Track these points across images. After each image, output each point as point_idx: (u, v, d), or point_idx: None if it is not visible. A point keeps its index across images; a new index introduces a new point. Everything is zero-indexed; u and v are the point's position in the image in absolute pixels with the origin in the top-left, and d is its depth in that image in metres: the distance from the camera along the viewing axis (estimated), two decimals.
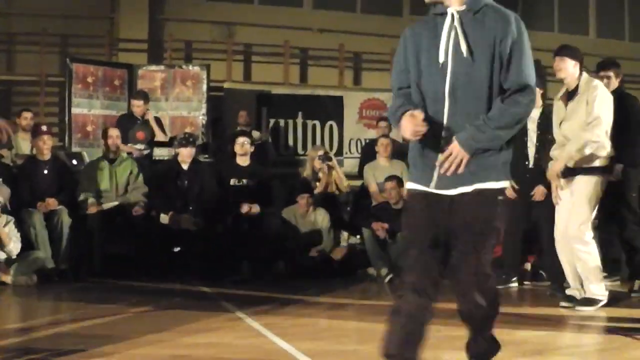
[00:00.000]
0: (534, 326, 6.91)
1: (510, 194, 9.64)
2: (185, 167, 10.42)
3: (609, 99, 7.70)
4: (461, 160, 4.12)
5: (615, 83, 8.60)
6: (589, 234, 7.67)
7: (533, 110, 8.61)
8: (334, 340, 6.26)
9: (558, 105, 7.92)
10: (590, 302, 7.71)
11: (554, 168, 7.71)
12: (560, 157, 7.65)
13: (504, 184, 4.35)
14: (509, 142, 4.31)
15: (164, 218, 10.11)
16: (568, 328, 7.21)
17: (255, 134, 12.56)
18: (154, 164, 11.49)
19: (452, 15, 4.18)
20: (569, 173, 7.70)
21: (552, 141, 8.21)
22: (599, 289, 7.75)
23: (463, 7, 4.19)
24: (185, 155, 10.41)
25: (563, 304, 7.89)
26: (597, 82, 7.72)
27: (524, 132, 8.88)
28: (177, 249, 10.30)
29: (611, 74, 8.63)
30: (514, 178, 9.24)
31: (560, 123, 7.78)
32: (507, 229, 9.28)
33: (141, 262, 9.96)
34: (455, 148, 4.13)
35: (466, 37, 4.16)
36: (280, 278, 9.96)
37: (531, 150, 9.03)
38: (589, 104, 7.51)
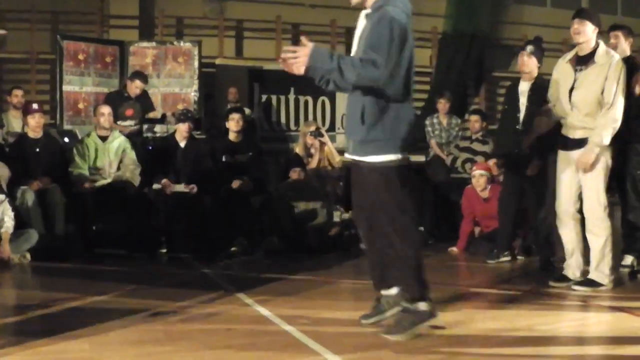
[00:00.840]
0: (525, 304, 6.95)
1: (494, 169, 9.71)
2: (182, 143, 10.41)
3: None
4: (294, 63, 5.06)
5: (625, 47, 8.44)
6: (606, 209, 7.35)
7: (524, 82, 8.69)
8: (327, 317, 6.28)
9: (565, 69, 7.52)
10: (592, 283, 7.40)
11: (586, 159, 7.27)
12: (591, 149, 7.23)
13: (390, 157, 5.37)
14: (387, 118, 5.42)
15: (156, 186, 10.12)
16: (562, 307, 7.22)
17: (246, 110, 12.55)
18: (146, 140, 11.45)
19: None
20: (575, 145, 7.42)
21: (541, 112, 8.16)
22: (606, 272, 7.40)
23: (369, 10, 5.51)
24: (183, 130, 10.40)
25: (552, 283, 7.71)
26: (617, 56, 7.37)
27: (514, 106, 8.86)
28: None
29: (619, 33, 8.51)
30: (503, 152, 9.32)
31: (570, 90, 7.41)
32: (499, 203, 9.31)
33: (134, 239, 9.95)
34: (304, 50, 5.05)
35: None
36: (273, 254, 9.97)
37: (519, 123, 8.81)
38: (609, 80, 7.16)
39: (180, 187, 10.14)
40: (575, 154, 7.41)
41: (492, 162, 10.17)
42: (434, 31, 16.10)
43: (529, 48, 8.79)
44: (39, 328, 5.85)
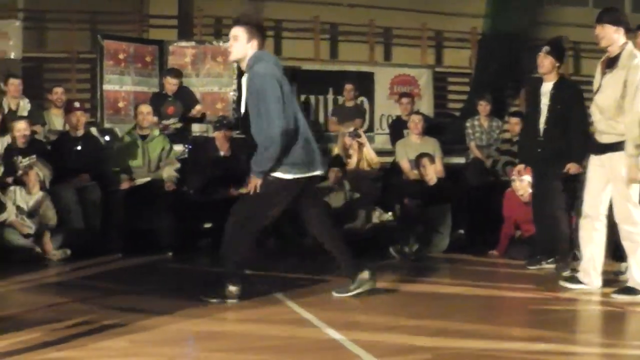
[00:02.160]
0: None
1: (522, 171, 9.56)
2: (221, 152, 10.44)
3: None
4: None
5: None
6: (638, 213, 7.18)
7: (546, 83, 8.59)
8: (366, 322, 6.25)
9: (596, 73, 7.48)
10: (630, 291, 7.14)
11: (633, 175, 7.02)
12: (626, 163, 7.02)
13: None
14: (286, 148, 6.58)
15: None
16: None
17: None
18: (186, 139, 11.49)
19: None
20: (602, 149, 7.31)
21: (560, 112, 8.12)
22: None
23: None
24: (220, 138, 10.44)
25: (563, 283, 7.68)
26: (638, 59, 7.14)
27: (536, 107, 8.79)
28: (207, 225, 10.35)
29: None
30: (527, 156, 9.22)
31: (596, 93, 7.38)
32: (533, 209, 9.21)
33: (170, 238, 9.97)
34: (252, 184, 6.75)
35: None
36: (309, 254, 9.93)
37: (542, 123, 8.72)
38: (629, 85, 7.01)
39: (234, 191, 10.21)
40: (604, 158, 7.32)
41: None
42: (473, 32, 16.01)
43: (545, 48, 8.72)
44: (79, 324, 5.86)
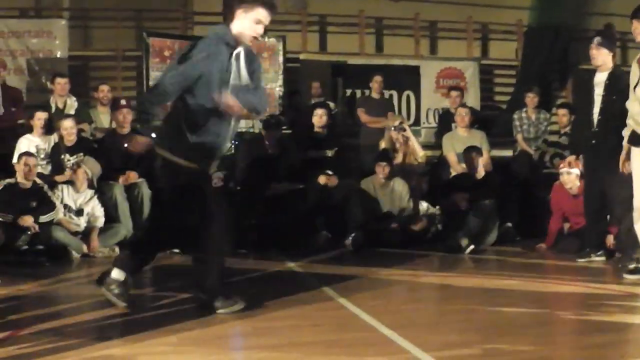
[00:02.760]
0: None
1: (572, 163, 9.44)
2: (270, 150, 10.45)
3: None
4: None
5: None
6: None
7: (599, 74, 8.49)
8: (415, 316, 6.22)
9: (634, 67, 7.52)
10: None
11: None
12: None
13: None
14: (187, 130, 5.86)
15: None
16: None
17: (330, 105, 12.59)
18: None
19: None
20: None
21: (616, 103, 8.05)
22: None
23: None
24: (270, 137, 10.45)
25: (626, 276, 7.66)
26: None
27: (589, 98, 8.69)
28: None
29: None
30: (580, 147, 9.12)
31: (635, 87, 7.43)
32: (584, 201, 9.11)
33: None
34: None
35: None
36: (358, 249, 9.90)
37: (595, 115, 8.67)
38: None
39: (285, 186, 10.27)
40: None
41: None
42: (518, 24, 15.88)
43: (597, 40, 8.66)
44: (127, 321, 5.89)
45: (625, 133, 7.64)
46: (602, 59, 8.57)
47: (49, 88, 11.98)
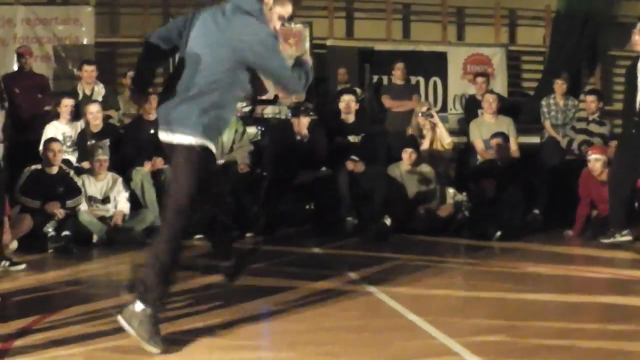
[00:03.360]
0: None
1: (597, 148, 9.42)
2: (300, 136, 10.43)
3: None
4: None
5: None
6: None
7: None
8: (442, 302, 6.21)
9: None
10: None
11: None
12: None
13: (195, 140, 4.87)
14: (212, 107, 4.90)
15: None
16: None
17: (357, 91, 12.57)
18: (258, 121, 11.48)
19: None
20: None
21: None
22: None
23: None
24: (299, 126, 10.43)
25: None
26: None
27: (632, 86, 8.61)
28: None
29: None
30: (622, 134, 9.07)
31: None
32: (609, 180, 9.06)
33: (245, 221, 10.00)
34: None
35: None
36: (386, 235, 9.87)
37: (638, 102, 8.60)
38: None
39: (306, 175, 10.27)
40: None
41: (612, 144, 9.95)
42: (547, 10, 15.76)
43: (639, 25, 8.54)
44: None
45: None
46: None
47: (76, 75, 12.00)
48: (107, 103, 11.04)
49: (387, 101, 12.42)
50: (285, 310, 5.83)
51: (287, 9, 5.11)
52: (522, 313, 5.81)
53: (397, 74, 12.72)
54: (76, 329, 5.15)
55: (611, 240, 8.86)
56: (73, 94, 10.99)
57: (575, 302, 6.19)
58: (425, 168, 10.53)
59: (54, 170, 9.28)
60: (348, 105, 10.86)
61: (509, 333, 5.11)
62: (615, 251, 8.70)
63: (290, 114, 11.08)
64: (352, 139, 10.71)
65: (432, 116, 11.15)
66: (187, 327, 5.25)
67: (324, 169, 10.40)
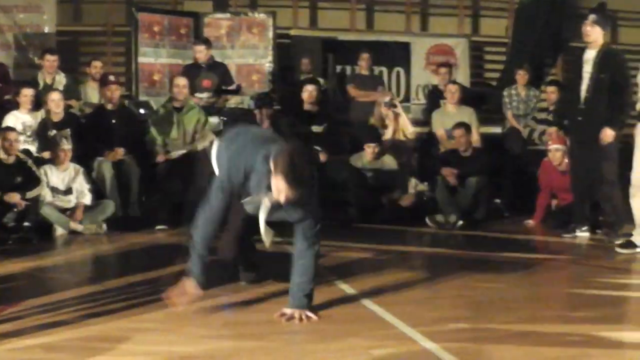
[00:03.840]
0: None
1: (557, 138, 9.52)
2: (264, 125, 10.39)
3: None
4: None
5: None
6: None
7: (589, 51, 8.51)
8: (404, 291, 6.22)
9: None
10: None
11: None
12: None
13: None
14: None
15: None
16: None
17: (320, 81, 12.59)
18: (222, 111, 11.42)
19: None
20: None
21: (604, 80, 8.24)
22: None
23: None
24: (262, 115, 10.40)
25: (619, 250, 7.88)
26: None
27: (578, 75, 8.69)
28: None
29: None
30: (566, 121, 9.18)
31: None
32: (570, 176, 9.14)
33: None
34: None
35: None
36: (348, 225, 9.89)
37: (583, 92, 8.63)
38: None
39: None
40: None
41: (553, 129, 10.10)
42: (510, 1, 15.82)
43: (591, 17, 8.63)
44: (116, 297, 5.88)
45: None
46: (595, 36, 8.56)
47: (37, 64, 11.89)
48: (69, 92, 10.94)
49: (352, 91, 12.42)
50: (247, 300, 5.82)
51: (278, 185, 4.93)
52: (485, 301, 5.84)
53: (362, 64, 12.72)
54: (35, 320, 5.11)
55: (572, 235, 8.95)
56: (34, 83, 10.88)
57: (537, 290, 6.24)
58: (388, 159, 10.55)
59: (11, 159, 9.17)
60: (311, 95, 10.86)
61: (471, 321, 5.14)
62: (576, 241, 8.78)
63: (252, 105, 11.04)
64: (315, 128, 10.71)
65: (395, 106, 11.17)
66: (148, 318, 5.24)
67: None
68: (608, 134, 8.35)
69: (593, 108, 8.47)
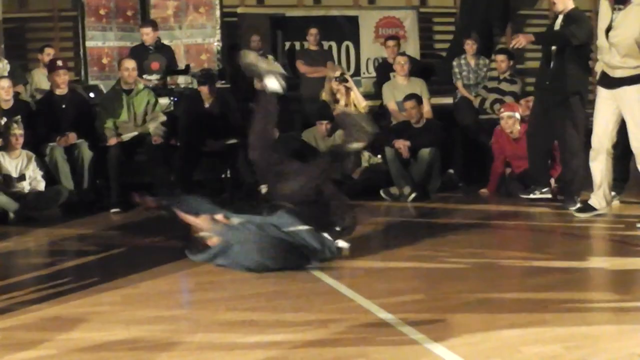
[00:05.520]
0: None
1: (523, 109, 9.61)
2: (207, 103, 10.33)
3: None
4: None
5: None
6: None
7: (559, 17, 8.53)
8: (359, 265, 6.25)
9: (603, 8, 7.70)
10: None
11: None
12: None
13: None
14: None
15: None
16: None
17: (269, 57, 12.58)
18: (171, 92, 11.36)
19: None
20: (614, 83, 7.63)
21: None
22: None
23: None
24: (205, 93, 10.33)
25: (578, 214, 8.06)
26: None
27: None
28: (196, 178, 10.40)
29: None
30: (535, 86, 9.24)
31: (607, 30, 7.58)
32: (527, 139, 9.19)
33: (161, 192, 9.96)
34: None
35: None
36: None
37: (553, 56, 8.63)
38: None
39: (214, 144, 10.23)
40: (616, 92, 7.62)
41: (523, 101, 10.11)
42: None
43: None
44: (73, 281, 5.86)
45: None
46: (564, 4, 8.59)
47: None
48: (15, 78, 10.81)
49: (301, 67, 12.41)
50: (201, 279, 5.83)
51: None
52: (439, 273, 5.89)
53: (311, 40, 12.71)
54: None
55: (531, 195, 9.03)
56: None
57: (492, 260, 6.29)
58: (340, 134, 10.55)
59: None
60: None
61: (427, 293, 5.19)
62: (531, 207, 8.84)
63: (197, 84, 10.97)
64: None
65: (346, 81, 11.17)
66: (106, 300, 5.24)
67: (233, 140, 10.31)
68: (526, 37, 8.48)
69: (557, 71, 8.51)
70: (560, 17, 8.60)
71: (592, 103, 8.24)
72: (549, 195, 9.10)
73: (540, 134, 8.92)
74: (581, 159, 8.47)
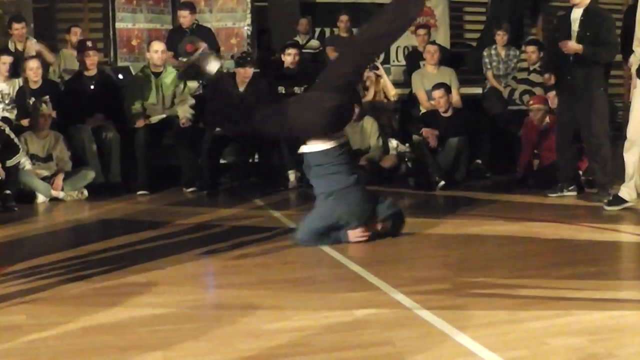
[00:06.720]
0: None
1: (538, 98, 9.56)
2: (241, 87, 10.27)
3: None
4: None
5: None
6: None
7: (576, 10, 8.48)
8: (385, 253, 6.23)
9: None
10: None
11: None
12: None
13: None
14: None
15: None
16: None
17: (315, 42, 12.63)
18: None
19: None
20: None
21: (590, 38, 8.28)
22: None
23: None
24: (243, 75, 10.27)
25: (609, 208, 7.98)
26: None
27: (565, 34, 8.65)
28: (224, 161, 10.39)
29: None
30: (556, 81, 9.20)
31: None
32: (556, 135, 9.12)
33: (188, 175, 9.98)
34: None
35: None
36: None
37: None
38: None
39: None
40: None
41: (552, 94, 10.03)
42: None
43: None
44: (98, 262, 5.87)
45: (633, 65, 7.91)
46: None
47: (9, 32, 11.78)
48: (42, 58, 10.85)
49: (332, 53, 12.38)
50: (227, 263, 5.83)
51: None
52: (466, 262, 5.85)
53: (342, 26, 12.68)
54: (18, 285, 5.11)
55: (558, 194, 8.94)
56: (8, 51, 10.78)
57: (519, 251, 6.24)
58: (368, 120, 10.53)
59: None
60: (294, 58, 10.85)
61: (453, 282, 5.15)
62: (558, 199, 8.78)
63: (234, 65, 10.95)
64: (296, 89, 10.67)
65: (377, 68, 11.15)
66: (131, 281, 5.24)
67: None
68: (574, 46, 8.39)
69: (580, 67, 8.45)
70: (579, 12, 8.52)
71: (614, 96, 8.25)
72: (575, 193, 9.00)
73: (567, 126, 8.85)
74: (609, 150, 8.42)
